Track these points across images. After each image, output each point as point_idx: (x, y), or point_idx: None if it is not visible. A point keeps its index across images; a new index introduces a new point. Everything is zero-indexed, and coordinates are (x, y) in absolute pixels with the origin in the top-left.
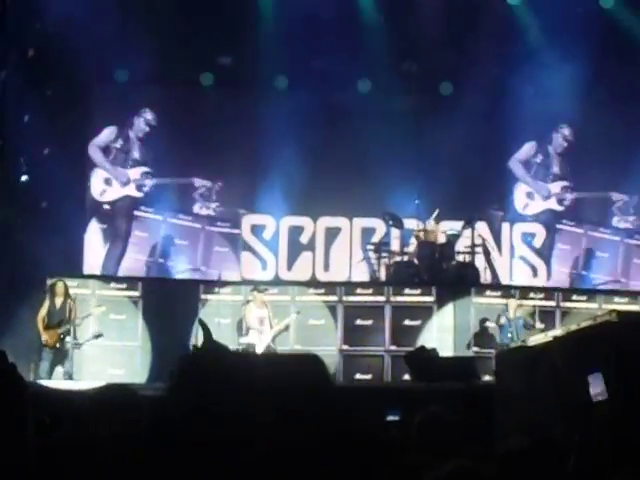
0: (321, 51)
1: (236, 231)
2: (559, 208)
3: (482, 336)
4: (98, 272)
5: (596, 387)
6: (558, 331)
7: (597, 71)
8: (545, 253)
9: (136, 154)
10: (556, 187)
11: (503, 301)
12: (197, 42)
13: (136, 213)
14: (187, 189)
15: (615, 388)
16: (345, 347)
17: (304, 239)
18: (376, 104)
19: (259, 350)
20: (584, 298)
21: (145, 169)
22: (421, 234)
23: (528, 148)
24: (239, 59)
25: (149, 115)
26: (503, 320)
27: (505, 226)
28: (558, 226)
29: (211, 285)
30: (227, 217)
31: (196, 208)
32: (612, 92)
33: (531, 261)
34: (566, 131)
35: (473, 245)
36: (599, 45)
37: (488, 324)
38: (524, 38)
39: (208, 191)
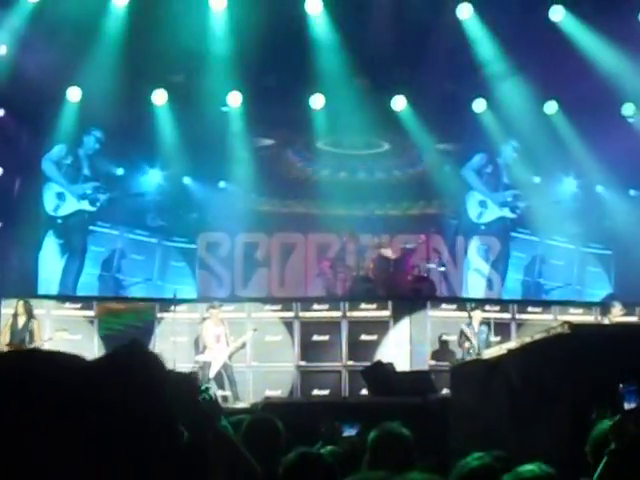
0: (274, 68)
1: (192, 246)
2: (512, 216)
3: (440, 350)
4: (56, 289)
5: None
6: (512, 344)
7: (548, 84)
8: (500, 265)
9: (87, 171)
10: (508, 196)
11: (459, 314)
12: (149, 60)
13: (91, 228)
14: (140, 203)
15: (569, 397)
16: (302, 363)
17: (259, 255)
18: (329, 119)
19: (215, 367)
20: (539, 310)
21: (96, 184)
22: (376, 249)
23: (478, 159)
24: (191, 77)
25: (98, 133)
26: (468, 332)
27: (460, 239)
28: (513, 234)
29: (167, 303)
30: (183, 231)
31: (149, 220)
32: (563, 104)
33: (486, 273)
34: (515, 144)
35: (428, 258)
36: (549, 58)
37: (445, 337)
38: (475, 52)
39: (160, 203)
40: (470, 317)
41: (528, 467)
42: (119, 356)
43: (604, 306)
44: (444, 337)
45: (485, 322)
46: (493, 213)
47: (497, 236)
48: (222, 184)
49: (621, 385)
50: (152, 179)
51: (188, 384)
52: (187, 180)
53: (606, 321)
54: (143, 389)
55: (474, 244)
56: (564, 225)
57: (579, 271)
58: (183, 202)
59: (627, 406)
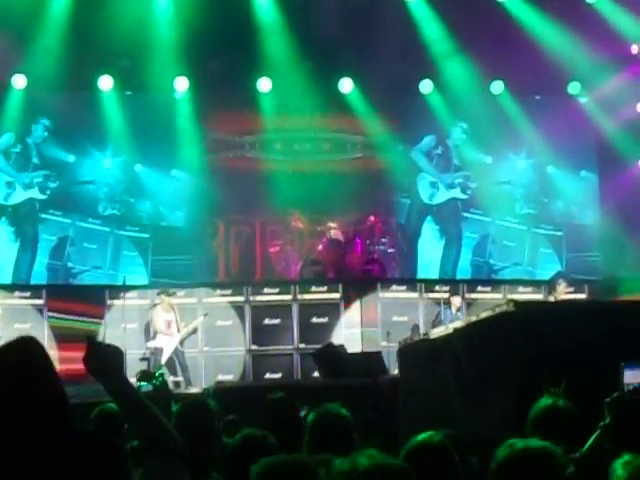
0: (220, 52)
1: (145, 235)
2: (463, 196)
3: (392, 331)
4: (10, 278)
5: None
6: (459, 323)
7: (494, 64)
8: (453, 246)
9: (36, 159)
10: (458, 177)
11: (410, 295)
12: (94, 46)
13: (43, 216)
14: (92, 191)
15: (514, 375)
16: (254, 347)
17: (210, 241)
18: (277, 103)
19: (167, 353)
20: (488, 289)
21: (46, 172)
22: (327, 231)
23: (428, 141)
24: (137, 62)
25: (47, 122)
26: (446, 317)
27: (412, 220)
28: (465, 214)
29: (116, 290)
30: (135, 220)
31: (101, 208)
32: (509, 84)
33: (439, 254)
34: (464, 125)
35: (378, 240)
36: (495, 37)
37: (396, 318)
38: (421, 33)
39: (112, 191)
40: (449, 302)
41: None
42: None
43: (550, 284)
44: (395, 318)
45: (462, 307)
46: (444, 194)
47: (449, 217)
48: (174, 172)
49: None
50: (103, 166)
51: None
52: (139, 167)
53: (552, 298)
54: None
55: (427, 225)
56: (515, 206)
57: (530, 252)
58: (135, 190)
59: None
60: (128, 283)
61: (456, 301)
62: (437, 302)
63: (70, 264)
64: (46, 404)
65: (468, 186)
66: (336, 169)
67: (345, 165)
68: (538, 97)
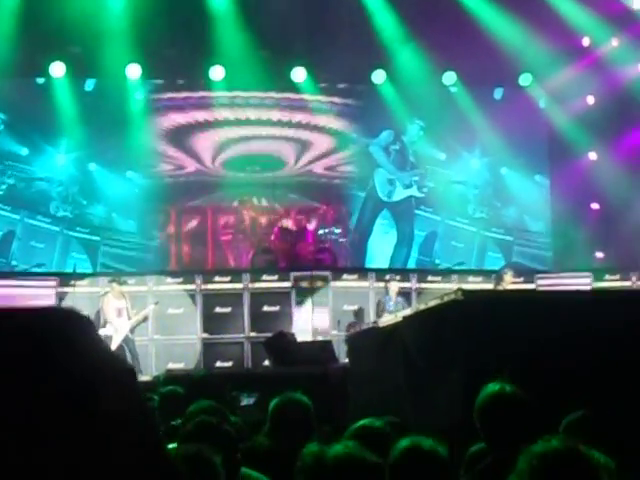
0: (172, 40)
1: (95, 238)
2: (420, 195)
3: (342, 319)
4: None
5: None
6: (407, 311)
7: (446, 55)
8: (405, 244)
9: None
10: (414, 175)
11: (361, 284)
12: (45, 32)
13: None
14: (45, 188)
15: (462, 364)
16: (205, 335)
17: (161, 230)
18: (230, 91)
19: (117, 341)
20: (439, 279)
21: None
22: (279, 220)
23: (386, 135)
24: (89, 48)
25: (2, 115)
26: (388, 304)
27: (367, 213)
28: (417, 212)
29: (67, 278)
30: (86, 223)
31: (52, 208)
32: (461, 75)
33: (390, 251)
34: (421, 123)
35: (329, 229)
36: (447, 28)
37: (347, 307)
38: (374, 23)
39: (66, 191)
40: (387, 288)
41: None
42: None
43: (498, 274)
44: (346, 307)
45: (402, 293)
46: (401, 193)
47: (404, 215)
48: (129, 173)
49: None
50: (57, 163)
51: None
52: (93, 166)
53: (499, 289)
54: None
55: (380, 222)
56: (468, 207)
57: (478, 255)
58: (89, 192)
59: None
60: (78, 270)
61: (394, 287)
62: (358, 290)
63: (14, 262)
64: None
65: (424, 185)
66: (289, 156)
67: (299, 152)
68: (491, 88)
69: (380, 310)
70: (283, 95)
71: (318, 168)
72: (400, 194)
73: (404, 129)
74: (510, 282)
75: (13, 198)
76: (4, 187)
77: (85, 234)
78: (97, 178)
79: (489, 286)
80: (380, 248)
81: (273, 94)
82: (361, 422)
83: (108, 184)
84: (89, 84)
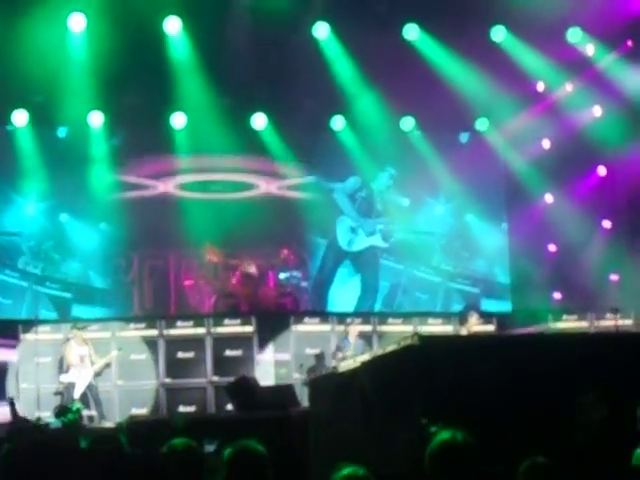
0: (134, 89)
1: (66, 295)
2: (384, 244)
3: (304, 363)
4: None
5: None
6: (366, 356)
7: (404, 100)
8: (369, 296)
9: None
10: (380, 222)
11: (322, 328)
12: (8, 81)
13: None
14: (14, 241)
15: (418, 409)
16: (167, 380)
17: (125, 276)
18: (191, 138)
19: (80, 388)
20: (400, 321)
21: None
22: (241, 265)
23: (353, 182)
24: (52, 97)
25: None
26: (346, 346)
27: (328, 261)
28: (381, 261)
29: (29, 324)
30: (57, 278)
31: (21, 263)
32: (419, 120)
33: (354, 301)
34: (392, 171)
35: (292, 275)
36: (404, 74)
37: (309, 351)
38: (332, 70)
39: (37, 246)
40: (346, 332)
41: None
42: None
43: (462, 316)
44: (308, 350)
45: (364, 336)
46: (363, 241)
47: (367, 266)
48: (103, 225)
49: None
50: (26, 213)
51: None
52: (64, 217)
53: (464, 330)
54: None
55: (342, 271)
56: (433, 257)
57: (443, 306)
58: (61, 247)
59: None
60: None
61: (353, 330)
62: (319, 334)
63: None
64: None
65: (389, 234)
66: (250, 205)
67: (259, 201)
68: (450, 133)
69: (336, 354)
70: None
71: (279, 214)
72: (362, 243)
73: (373, 176)
74: (475, 324)
75: None
76: None
77: (56, 290)
78: (69, 230)
79: (450, 328)
80: (342, 298)
81: (237, 160)
82: (345, 471)
83: (81, 237)
84: (61, 131)
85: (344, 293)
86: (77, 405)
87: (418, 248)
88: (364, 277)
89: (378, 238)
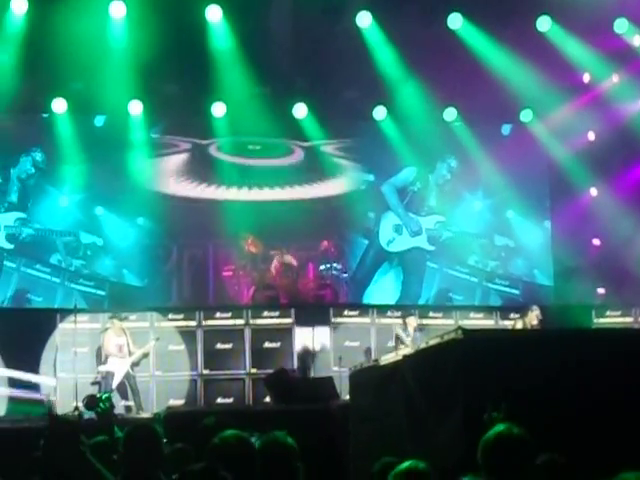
0: (173, 77)
1: (100, 292)
2: (429, 247)
3: (344, 356)
4: None
5: None
6: (408, 349)
7: (447, 91)
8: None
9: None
10: (430, 222)
11: (362, 320)
12: (48, 68)
13: None
14: (48, 236)
15: (463, 402)
16: (206, 371)
17: (164, 264)
18: (231, 127)
19: (118, 378)
20: (440, 315)
21: (21, 215)
22: (280, 256)
23: (406, 173)
24: (91, 85)
25: (38, 156)
26: (404, 337)
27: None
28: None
29: (68, 313)
30: (91, 275)
31: (54, 259)
32: (462, 111)
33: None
34: (453, 163)
35: (332, 267)
36: (448, 65)
37: (349, 343)
38: (375, 59)
39: (73, 243)
40: (405, 323)
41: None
42: None
43: (523, 310)
44: (347, 343)
45: (420, 328)
46: (406, 242)
47: (409, 270)
48: (140, 220)
49: None
50: (59, 204)
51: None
52: (100, 210)
53: (520, 323)
54: None
55: (383, 271)
56: (469, 255)
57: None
58: (94, 239)
59: None
60: (79, 306)
61: (412, 321)
62: (389, 327)
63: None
64: None
65: (439, 235)
66: (291, 195)
67: (301, 191)
68: (492, 125)
69: (398, 344)
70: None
71: (320, 205)
72: (403, 244)
73: (431, 167)
74: (535, 318)
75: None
76: (22, 237)
77: (89, 287)
78: (105, 225)
79: (491, 322)
80: (379, 299)
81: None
82: (405, 465)
83: (117, 232)
84: (98, 120)
85: (382, 295)
86: (106, 394)
87: (454, 246)
88: (406, 281)
89: (423, 239)
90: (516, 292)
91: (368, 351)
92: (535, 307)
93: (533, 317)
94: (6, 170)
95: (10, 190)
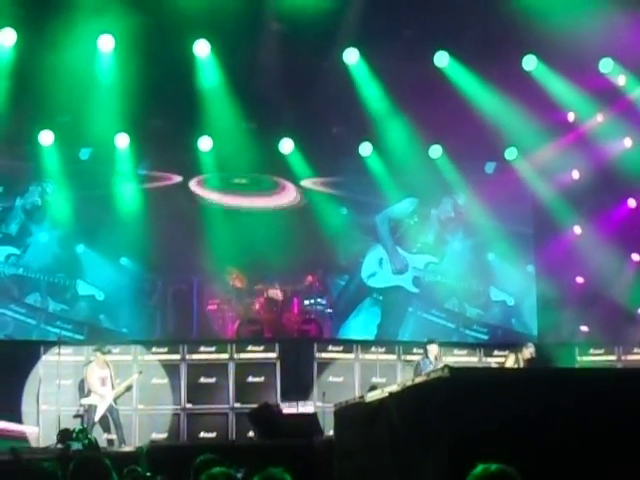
0: (160, 111)
1: (79, 337)
2: (412, 289)
3: (328, 390)
4: None
5: None
6: (394, 387)
7: (433, 128)
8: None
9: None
10: (420, 261)
11: (346, 356)
12: (35, 101)
13: None
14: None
15: (448, 441)
16: (189, 405)
17: (148, 299)
18: (218, 162)
19: (101, 411)
20: (422, 352)
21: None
22: (265, 290)
23: (406, 204)
24: (78, 118)
25: (50, 187)
26: (427, 367)
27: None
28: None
29: (52, 346)
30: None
31: (30, 298)
32: (447, 148)
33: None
34: (459, 200)
35: (317, 301)
36: (434, 102)
37: (333, 379)
38: (361, 96)
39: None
40: (426, 350)
41: None
42: None
43: (517, 347)
44: (331, 378)
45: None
46: (387, 279)
47: (389, 309)
48: (123, 260)
49: None
50: (39, 241)
51: None
52: (81, 248)
53: (511, 359)
54: None
55: (364, 305)
56: (446, 298)
57: None
58: (72, 278)
59: None
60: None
61: (433, 349)
62: (373, 363)
63: None
64: None
65: (423, 277)
66: (276, 230)
67: (285, 226)
68: (477, 162)
69: (417, 373)
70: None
71: (304, 240)
72: (384, 281)
73: (437, 202)
74: (528, 355)
75: None
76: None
77: (67, 331)
78: (85, 263)
79: (475, 359)
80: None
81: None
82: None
83: (98, 271)
84: (83, 153)
85: (358, 333)
86: (78, 428)
87: (436, 290)
88: (383, 323)
89: (407, 279)
90: (491, 342)
91: (344, 384)
92: (530, 344)
93: (527, 353)
94: (11, 198)
95: (11, 221)
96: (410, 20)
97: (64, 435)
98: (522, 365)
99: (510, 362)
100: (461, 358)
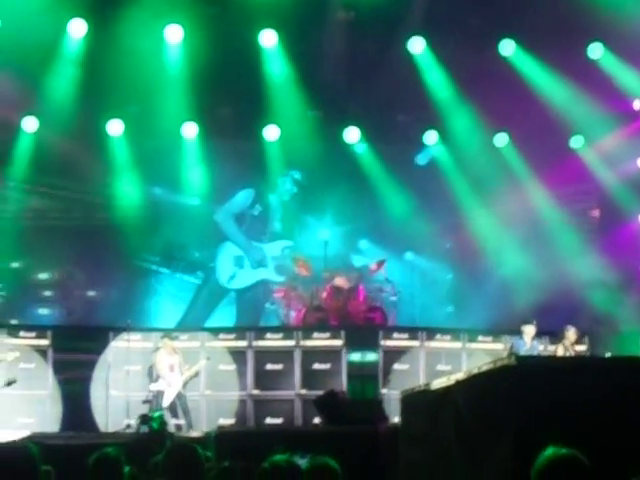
0: (228, 100)
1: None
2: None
3: (393, 378)
4: None
5: None
6: (460, 374)
7: (498, 117)
8: None
9: None
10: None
11: (411, 343)
12: (105, 91)
13: None
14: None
15: (514, 430)
16: (256, 392)
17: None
18: (283, 150)
19: (169, 396)
20: (448, 337)
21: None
22: (331, 279)
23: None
24: (147, 108)
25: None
26: (520, 347)
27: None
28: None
29: (120, 331)
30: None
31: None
32: (513, 136)
33: None
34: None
35: (380, 287)
36: (499, 90)
37: (398, 366)
38: (426, 85)
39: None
40: (521, 331)
41: None
42: None
43: (559, 334)
44: (396, 366)
45: (537, 337)
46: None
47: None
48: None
49: None
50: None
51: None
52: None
53: (560, 347)
54: None
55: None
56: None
57: None
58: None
59: None
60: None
61: (529, 330)
62: (438, 351)
63: None
64: None
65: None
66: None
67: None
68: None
69: (510, 353)
70: None
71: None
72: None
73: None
74: (573, 338)
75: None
76: None
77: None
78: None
79: (500, 346)
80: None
81: None
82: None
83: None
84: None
85: None
86: (158, 412)
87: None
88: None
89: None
90: None
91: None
92: (570, 326)
93: (571, 337)
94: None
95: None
96: (475, 8)
97: (144, 419)
98: (573, 349)
99: (560, 352)
100: (486, 345)
